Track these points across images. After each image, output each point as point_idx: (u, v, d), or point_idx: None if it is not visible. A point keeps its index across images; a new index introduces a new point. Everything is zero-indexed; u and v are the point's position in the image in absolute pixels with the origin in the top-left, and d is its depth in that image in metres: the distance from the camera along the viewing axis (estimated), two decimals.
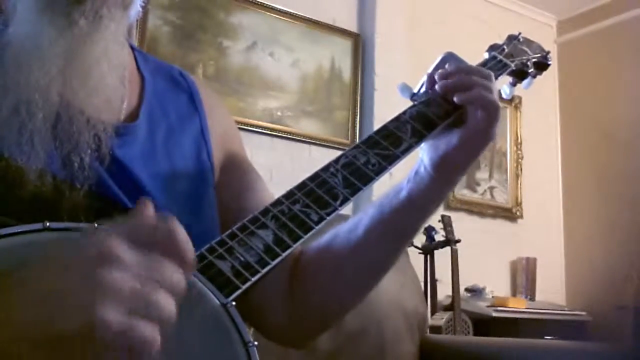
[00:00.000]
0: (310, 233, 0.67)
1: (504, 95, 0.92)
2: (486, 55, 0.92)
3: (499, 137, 4.12)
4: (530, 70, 0.94)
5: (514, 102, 4.13)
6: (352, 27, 3.53)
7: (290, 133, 3.20)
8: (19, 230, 0.54)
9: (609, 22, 4.18)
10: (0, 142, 0.64)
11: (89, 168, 0.67)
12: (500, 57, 0.91)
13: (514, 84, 0.94)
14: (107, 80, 0.71)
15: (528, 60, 0.94)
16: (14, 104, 0.64)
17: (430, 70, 0.82)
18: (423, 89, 0.82)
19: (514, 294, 3.93)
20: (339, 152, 0.75)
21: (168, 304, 0.45)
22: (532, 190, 4.17)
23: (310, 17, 3.36)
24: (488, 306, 3.42)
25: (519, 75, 0.93)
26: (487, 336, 2.57)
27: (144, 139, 0.76)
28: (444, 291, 3.22)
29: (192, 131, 0.83)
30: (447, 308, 3.21)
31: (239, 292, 0.59)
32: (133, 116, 0.77)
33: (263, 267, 0.62)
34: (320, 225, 0.67)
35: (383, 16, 3.50)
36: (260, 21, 3.21)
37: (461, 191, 3.85)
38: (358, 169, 0.72)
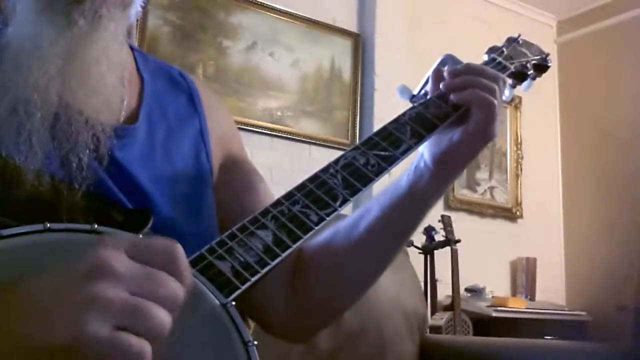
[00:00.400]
0: (310, 234, 0.67)
1: (504, 98, 0.92)
2: (485, 58, 0.92)
3: (499, 137, 4.10)
4: (529, 73, 0.94)
5: (514, 102, 4.13)
6: (352, 27, 3.53)
7: (290, 133, 3.21)
8: (21, 231, 0.54)
9: (609, 22, 4.18)
10: None
11: (87, 168, 0.67)
12: (499, 59, 0.91)
13: (513, 86, 0.94)
14: (107, 80, 0.71)
15: (527, 62, 0.94)
16: (12, 103, 0.64)
17: (429, 72, 0.82)
18: (422, 91, 0.82)
19: (514, 294, 3.94)
20: (339, 152, 0.75)
21: (160, 317, 0.45)
22: (532, 190, 4.17)
23: (310, 17, 3.36)
24: (488, 306, 3.42)
25: (519, 77, 0.93)
26: (487, 336, 2.57)
27: (144, 141, 0.76)
28: (444, 291, 3.22)
29: (192, 132, 0.83)
30: (447, 308, 3.21)
31: (238, 292, 0.59)
32: (132, 118, 0.77)
33: (263, 268, 0.62)
34: (319, 226, 0.67)
35: (383, 16, 3.50)
36: (260, 21, 3.21)
37: (461, 191, 3.85)
38: (357, 170, 0.72)
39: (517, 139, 4.18)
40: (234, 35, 3.14)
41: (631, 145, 3.88)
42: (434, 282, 3.13)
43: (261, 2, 3.22)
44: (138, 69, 0.83)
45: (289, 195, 0.69)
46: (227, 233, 0.64)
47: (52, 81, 0.66)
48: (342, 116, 3.39)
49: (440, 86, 0.78)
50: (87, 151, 0.68)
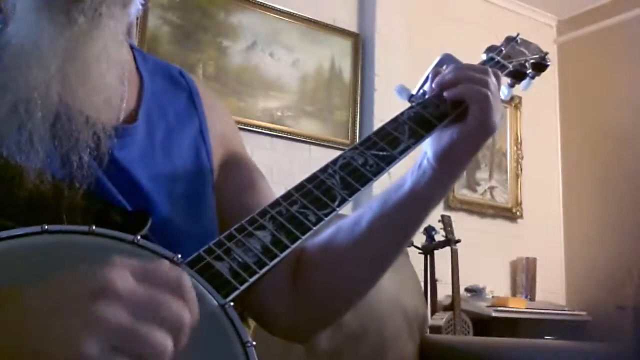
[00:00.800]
0: (308, 234, 0.67)
1: (502, 97, 0.91)
2: (484, 57, 0.92)
3: (499, 137, 4.14)
4: (528, 72, 0.94)
5: (514, 102, 4.13)
6: (352, 27, 3.53)
7: (290, 133, 3.21)
8: (18, 233, 0.54)
9: (609, 22, 4.18)
10: None
11: (87, 167, 0.67)
12: (498, 58, 0.91)
13: (512, 85, 0.94)
14: (107, 79, 0.71)
15: (526, 61, 0.94)
16: (13, 102, 0.65)
17: (427, 71, 0.82)
18: (421, 91, 0.82)
19: (514, 294, 3.94)
20: (339, 152, 0.75)
21: (158, 341, 0.44)
22: (532, 190, 4.17)
23: (310, 17, 3.36)
24: (488, 306, 3.42)
25: (517, 76, 0.93)
26: (487, 336, 2.57)
27: (143, 141, 0.76)
28: (444, 291, 3.22)
29: (191, 131, 0.83)
30: (447, 308, 3.21)
31: (237, 292, 0.59)
32: (132, 117, 0.77)
33: (261, 268, 0.62)
34: (318, 226, 0.67)
35: (383, 16, 3.50)
36: (260, 21, 3.21)
37: (461, 191, 3.85)
38: (356, 170, 0.72)
39: (517, 138, 4.18)
40: (234, 35, 3.14)
41: (631, 145, 3.88)
42: (434, 282, 3.13)
43: (261, 2, 3.22)
44: (137, 68, 0.83)
45: (287, 196, 0.69)
46: (225, 234, 0.64)
47: (52, 80, 0.66)
48: (342, 116, 3.39)
49: (433, 84, 0.78)
50: (88, 150, 0.68)
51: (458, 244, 3.18)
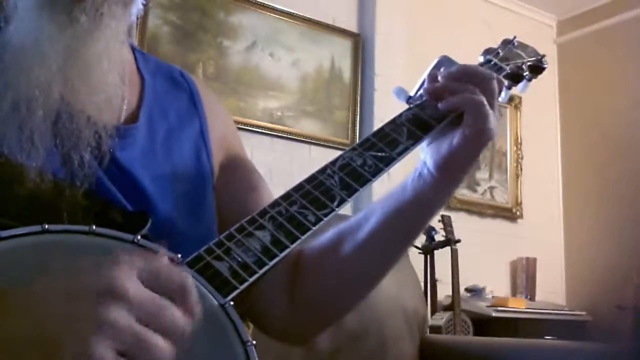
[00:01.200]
0: (308, 234, 0.67)
1: (500, 99, 0.92)
2: (481, 59, 0.92)
3: (499, 137, 4.14)
4: (525, 74, 0.94)
5: (514, 102, 4.13)
6: (352, 27, 3.53)
7: (290, 133, 3.21)
8: (19, 233, 0.54)
9: (609, 22, 4.18)
10: (0, 140, 0.64)
11: (88, 167, 0.67)
12: (495, 60, 0.91)
13: (509, 87, 0.94)
14: (108, 78, 0.71)
15: (523, 63, 0.94)
16: (14, 101, 0.65)
17: (425, 73, 0.82)
18: (419, 93, 0.82)
19: (514, 294, 3.93)
20: (339, 153, 0.75)
21: (160, 349, 0.46)
22: (532, 190, 4.17)
23: (310, 17, 3.36)
24: (488, 306, 3.42)
25: (515, 78, 0.94)
26: (487, 336, 2.57)
27: (144, 141, 0.76)
28: (444, 291, 3.22)
29: (192, 132, 0.83)
30: (447, 308, 3.21)
31: (236, 292, 0.59)
32: (133, 118, 0.77)
33: (261, 268, 0.62)
34: (317, 227, 0.68)
35: (383, 16, 3.50)
36: (260, 21, 3.21)
37: (461, 191, 3.85)
38: (355, 170, 0.72)
39: (517, 139, 4.18)
40: (234, 35, 3.14)
41: (631, 145, 3.88)
42: (434, 282, 3.13)
43: (261, 2, 3.22)
44: (138, 69, 0.84)
45: (286, 196, 0.70)
46: (225, 234, 0.64)
47: (53, 79, 0.66)
48: (342, 116, 3.39)
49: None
50: (89, 149, 0.68)
51: (458, 244, 3.18)
